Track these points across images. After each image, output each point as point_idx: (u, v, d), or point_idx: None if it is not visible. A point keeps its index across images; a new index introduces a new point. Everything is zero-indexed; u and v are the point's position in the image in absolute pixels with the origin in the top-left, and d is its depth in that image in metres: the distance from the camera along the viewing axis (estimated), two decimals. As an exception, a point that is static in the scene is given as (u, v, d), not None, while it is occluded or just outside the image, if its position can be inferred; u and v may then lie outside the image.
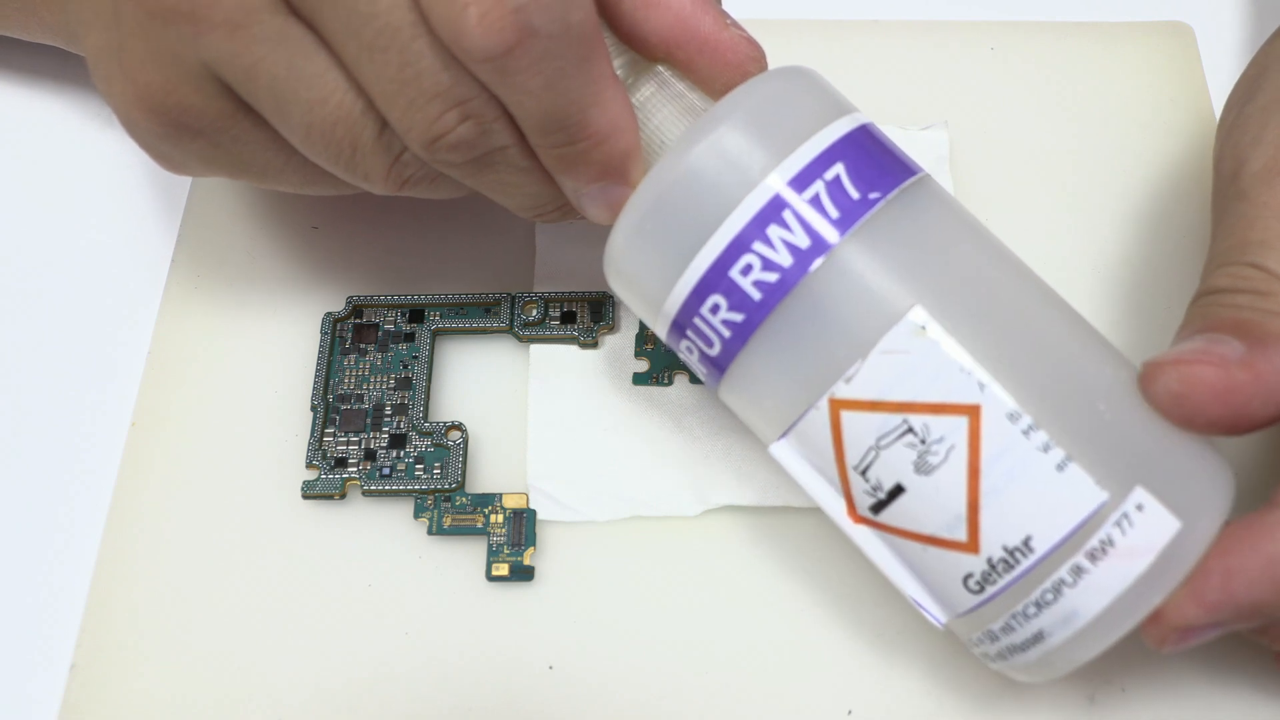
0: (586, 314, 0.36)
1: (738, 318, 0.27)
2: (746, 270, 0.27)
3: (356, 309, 0.36)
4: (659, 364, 0.36)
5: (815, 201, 0.26)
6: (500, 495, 0.33)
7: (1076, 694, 0.31)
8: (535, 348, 0.36)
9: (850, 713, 0.31)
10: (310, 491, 0.33)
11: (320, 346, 0.35)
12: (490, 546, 0.33)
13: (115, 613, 0.32)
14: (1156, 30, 0.42)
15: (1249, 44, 0.43)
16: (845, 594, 0.32)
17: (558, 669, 0.31)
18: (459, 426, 0.34)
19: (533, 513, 0.33)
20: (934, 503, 0.26)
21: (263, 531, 0.33)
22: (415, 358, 0.36)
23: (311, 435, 0.34)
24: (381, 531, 0.33)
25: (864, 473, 0.27)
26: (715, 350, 0.28)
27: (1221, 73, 0.42)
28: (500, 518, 0.33)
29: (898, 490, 0.26)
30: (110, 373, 0.36)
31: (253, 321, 0.37)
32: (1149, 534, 0.25)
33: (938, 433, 0.26)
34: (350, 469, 0.34)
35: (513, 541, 0.33)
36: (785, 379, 0.27)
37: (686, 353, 0.29)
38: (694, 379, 0.35)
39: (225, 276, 0.37)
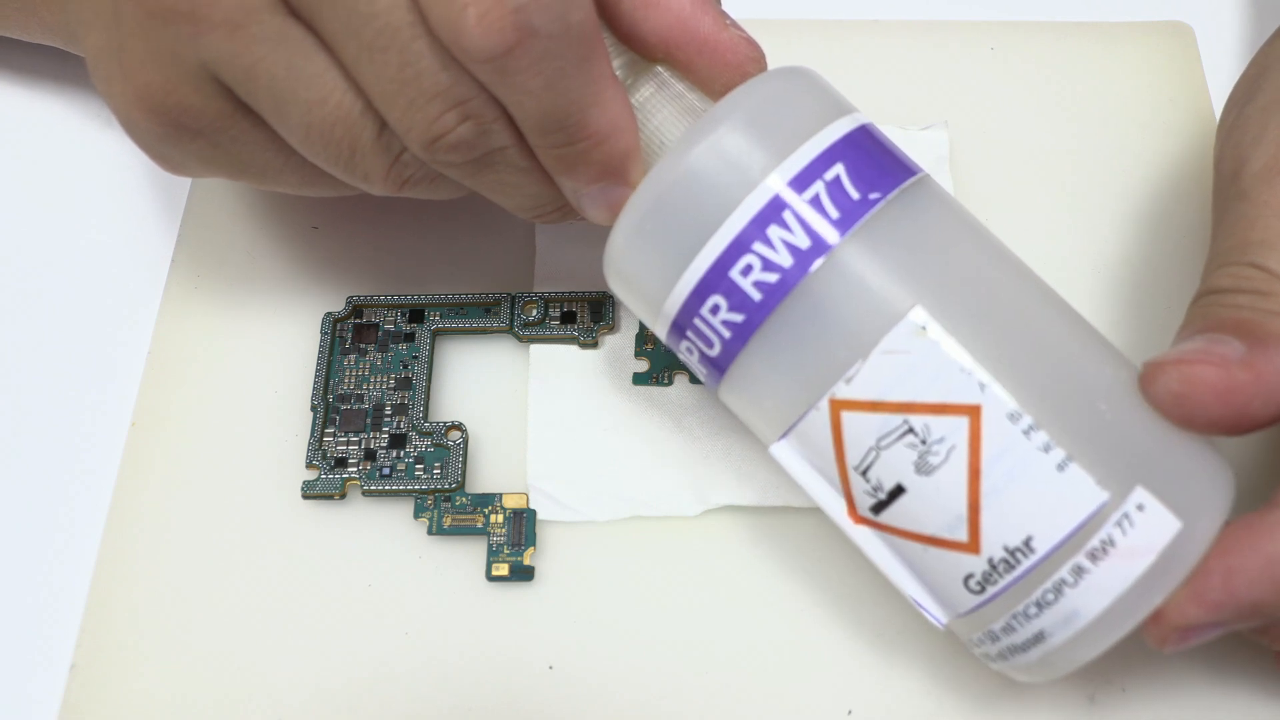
0: (586, 314, 0.36)
1: (738, 318, 0.27)
2: (746, 271, 0.27)
3: (356, 309, 0.36)
4: (659, 364, 0.36)
5: (815, 202, 0.26)
6: (500, 495, 0.33)
7: (1076, 694, 0.31)
8: (535, 348, 0.36)
9: (850, 713, 0.31)
10: (310, 491, 0.33)
11: (320, 346, 0.35)
12: (490, 546, 0.33)
13: (115, 613, 0.32)
14: (1156, 30, 0.42)
15: (1249, 44, 0.43)
16: (845, 594, 0.32)
17: (558, 669, 0.31)
18: (459, 426, 0.34)
19: (533, 513, 0.33)
20: (935, 503, 0.26)
21: (263, 531, 0.33)
22: (415, 358, 0.35)
23: (311, 435, 0.34)
24: (381, 531, 0.33)
25: (864, 473, 0.27)
26: (715, 351, 0.28)
27: (1221, 73, 0.42)
28: (500, 518, 0.33)
29: (898, 491, 0.26)
30: (110, 373, 0.36)
31: (253, 321, 0.37)
32: (1150, 534, 0.25)
33: (938, 433, 0.26)
34: (350, 469, 0.34)
35: (513, 541, 0.33)
36: (785, 379, 0.27)
37: (686, 353, 0.29)
38: (694, 379, 0.35)
39: (225, 276, 0.37)
